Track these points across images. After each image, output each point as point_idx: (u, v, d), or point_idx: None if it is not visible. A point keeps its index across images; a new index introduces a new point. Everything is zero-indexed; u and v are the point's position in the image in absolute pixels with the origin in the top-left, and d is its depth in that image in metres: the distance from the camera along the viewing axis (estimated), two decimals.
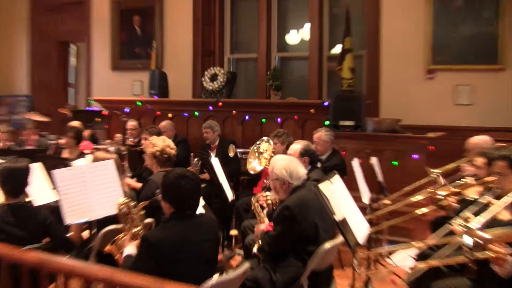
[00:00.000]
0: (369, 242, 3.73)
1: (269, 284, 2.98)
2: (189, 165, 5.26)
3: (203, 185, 5.29)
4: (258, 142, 4.77)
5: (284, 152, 4.54)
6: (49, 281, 2.24)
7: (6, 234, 2.83)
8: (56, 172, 3.07)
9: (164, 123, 6.20)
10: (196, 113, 6.60)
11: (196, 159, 5.07)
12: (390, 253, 3.12)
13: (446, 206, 3.05)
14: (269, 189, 3.52)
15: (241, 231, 4.20)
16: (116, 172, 3.29)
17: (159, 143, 3.68)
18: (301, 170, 3.21)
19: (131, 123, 6.24)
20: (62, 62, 8.97)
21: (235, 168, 5.58)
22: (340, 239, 2.97)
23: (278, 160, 3.26)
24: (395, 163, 5.31)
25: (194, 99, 7.33)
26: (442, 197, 3.03)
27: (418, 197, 3.46)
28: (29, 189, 3.06)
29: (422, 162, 5.04)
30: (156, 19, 7.78)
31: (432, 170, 3.66)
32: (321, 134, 4.94)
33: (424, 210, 3.35)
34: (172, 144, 3.72)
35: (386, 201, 3.90)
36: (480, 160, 3.24)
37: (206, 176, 5.34)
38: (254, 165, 4.65)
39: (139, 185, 4.50)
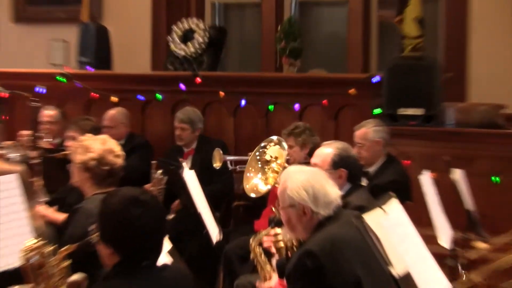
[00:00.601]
0: None
1: None
2: (149, 182, 5.38)
3: (169, 216, 5.40)
4: (262, 145, 4.83)
5: (306, 160, 4.57)
6: None
7: None
8: None
9: (113, 112, 6.29)
10: (159, 96, 6.65)
11: (158, 173, 5.17)
12: None
13: None
14: (279, 223, 3.57)
15: None
16: (21, 195, 3.30)
17: (96, 146, 3.77)
18: (332, 191, 3.26)
19: (48, 113, 6.29)
20: None
21: (223, 187, 5.72)
22: None
23: (293, 174, 3.30)
24: (496, 179, 5.37)
25: (155, 72, 7.41)
26: None
27: None
28: None
29: None
30: None
31: None
32: (368, 131, 5.01)
33: None
34: (117, 148, 3.84)
35: (481, 245, 3.91)
36: None
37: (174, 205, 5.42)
38: (255, 183, 4.73)
39: (61, 216, 4.49)
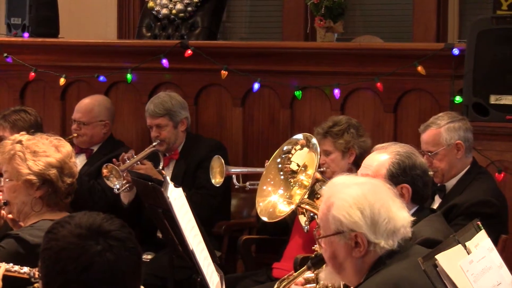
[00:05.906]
0: None
1: None
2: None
3: (146, 257, 5.27)
4: (285, 148, 4.48)
5: (350, 170, 4.64)
6: None
7: None
8: None
9: (89, 102, 5.73)
10: (129, 77, 6.15)
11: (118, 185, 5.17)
12: None
13: None
14: (318, 262, 3.37)
15: None
16: None
17: (48, 149, 3.67)
18: (400, 214, 3.07)
19: None
20: None
21: (222, 213, 5.50)
22: None
23: (342, 187, 3.12)
24: None
25: (123, 40, 7.30)
26: None
27: None
28: None
29: None
30: None
31: None
32: (439, 132, 4.64)
33: None
34: (73, 155, 3.78)
35: None
36: None
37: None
38: (273, 201, 4.35)
39: None
